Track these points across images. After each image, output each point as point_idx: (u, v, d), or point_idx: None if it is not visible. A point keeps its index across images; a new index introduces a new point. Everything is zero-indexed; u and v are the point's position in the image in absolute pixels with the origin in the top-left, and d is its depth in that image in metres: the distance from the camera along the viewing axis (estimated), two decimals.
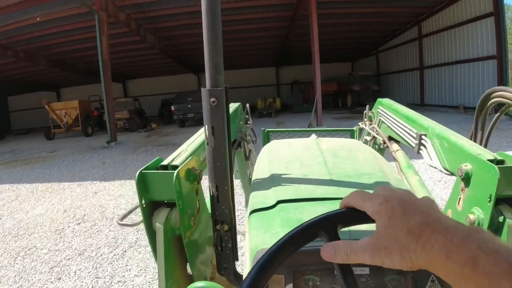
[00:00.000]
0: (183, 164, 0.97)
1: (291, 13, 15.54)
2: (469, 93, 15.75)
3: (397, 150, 1.83)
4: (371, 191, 0.48)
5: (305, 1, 13.40)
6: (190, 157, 1.05)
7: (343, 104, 22.74)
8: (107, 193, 6.17)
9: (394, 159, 1.79)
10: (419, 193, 1.36)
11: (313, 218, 0.48)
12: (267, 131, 3.12)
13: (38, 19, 14.33)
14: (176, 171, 0.91)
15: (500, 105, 1.32)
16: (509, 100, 1.20)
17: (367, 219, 0.45)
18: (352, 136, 2.97)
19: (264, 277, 0.44)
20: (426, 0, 16.28)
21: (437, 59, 18.14)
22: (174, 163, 1.02)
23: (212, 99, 0.87)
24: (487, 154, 0.99)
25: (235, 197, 1.18)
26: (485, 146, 1.41)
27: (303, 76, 29.42)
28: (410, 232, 0.38)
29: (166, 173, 0.96)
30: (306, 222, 0.48)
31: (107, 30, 11.99)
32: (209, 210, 1.10)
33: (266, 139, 3.09)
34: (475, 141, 1.46)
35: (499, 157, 0.98)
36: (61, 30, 15.23)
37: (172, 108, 16.93)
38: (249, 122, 2.46)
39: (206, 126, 0.91)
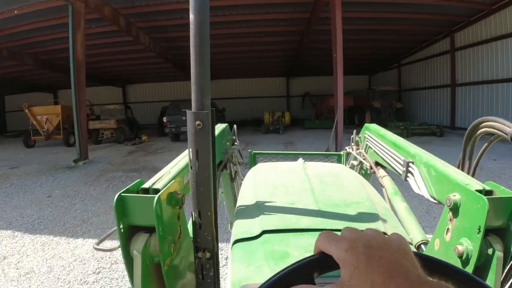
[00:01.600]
0: (165, 188, 0.91)
1: (307, 15, 13.34)
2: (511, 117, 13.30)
3: (383, 176, 1.83)
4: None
5: (325, 1, 11.22)
6: (173, 181, 0.99)
7: (360, 121, 20.36)
8: (17, 261, 3.97)
9: (381, 185, 1.76)
10: (406, 221, 1.38)
11: (287, 268, 0.46)
12: (254, 153, 3.06)
13: (15, 12, 12.47)
14: (157, 196, 0.85)
15: (490, 134, 1.31)
16: (498, 130, 1.18)
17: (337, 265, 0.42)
18: (339, 161, 3.01)
19: None
20: (462, 7, 13.96)
21: (472, 77, 15.72)
22: (156, 186, 0.96)
23: (198, 122, 0.83)
24: (475, 184, 0.98)
25: (221, 219, 1.33)
26: (473, 176, 1.38)
27: (315, 88, 27.20)
28: (374, 286, 0.36)
29: (147, 197, 0.90)
30: (280, 272, 0.46)
31: (83, 25, 9.92)
32: (192, 236, 1.01)
33: (253, 161, 3.04)
34: (462, 170, 1.43)
35: (487, 187, 0.96)
36: (42, 26, 13.29)
37: (164, 119, 14.76)
38: (236, 143, 2.41)
39: (191, 149, 0.87)
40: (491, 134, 1.25)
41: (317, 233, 0.89)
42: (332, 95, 24.06)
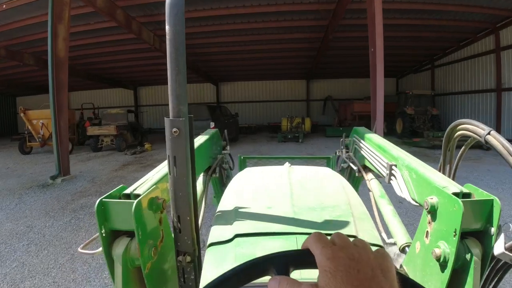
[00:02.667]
0: (145, 193, 0.96)
1: (333, 6, 11.46)
2: None
3: (371, 179, 1.85)
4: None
5: None
6: (154, 186, 1.04)
7: (389, 130, 18.27)
8: None
9: (368, 188, 1.80)
10: (391, 224, 1.44)
11: (268, 254, 0.49)
12: (244, 157, 3.11)
13: (4, 6, 11.13)
14: (136, 201, 0.89)
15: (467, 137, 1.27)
16: (472, 133, 1.18)
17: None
18: (328, 164, 3.06)
19: None
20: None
21: None
22: (137, 191, 0.99)
23: (174, 129, 0.84)
24: (453, 187, 0.99)
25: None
26: (453, 178, 1.39)
27: (338, 92, 25.22)
28: None
29: (126, 202, 0.93)
30: (259, 257, 0.49)
31: (68, 16, 8.36)
32: None
33: (243, 166, 3.05)
34: (443, 173, 1.44)
35: (465, 190, 0.97)
36: (36, 22, 11.92)
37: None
38: (226, 148, 2.44)
39: (168, 155, 0.88)
40: (468, 136, 1.23)
41: (288, 237, 1.09)
42: (358, 99, 22.29)
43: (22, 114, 14.18)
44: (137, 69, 20.30)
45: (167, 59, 0.80)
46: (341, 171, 2.36)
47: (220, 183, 2.36)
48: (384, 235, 1.43)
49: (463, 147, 1.36)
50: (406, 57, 19.30)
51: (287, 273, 0.46)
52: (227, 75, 24.05)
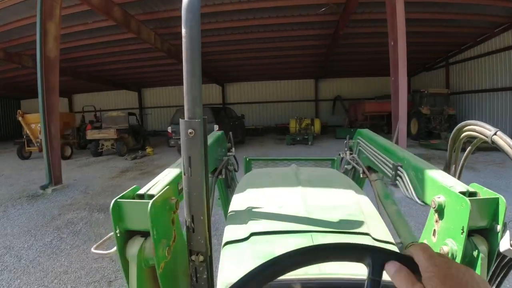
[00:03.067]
0: (159, 193, 0.95)
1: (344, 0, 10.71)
2: None
3: (375, 180, 1.88)
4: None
5: None
6: (167, 186, 1.04)
7: None
8: None
9: (373, 189, 1.82)
10: (397, 223, 1.46)
11: (373, 246, 0.53)
12: (249, 159, 3.14)
13: None
14: (151, 201, 0.88)
15: (474, 138, 1.31)
16: (479, 134, 1.20)
17: (415, 273, 0.47)
18: (332, 166, 3.13)
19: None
20: None
21: None
22: (151, 192, 1.00)
23: (190, 130, 0.86)
24: (459, 186, 1.00)
25: (220, 224, 1.57)
26: (459, 178, 1.39)
27: (347, 91, 24.40)
28: None
29: (141, 203, 0.93)
30: (362, 244, 0.53)
31: (59, 13, 7.76)
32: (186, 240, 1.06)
33: (248, 168, 3.09)
34: (449, 173, 1.38)
35: (471, 189, 0.98)
36: (33, 22, 11.35)
37: (169, 129, 12.51)
38: (231, 150, 2.44)
39: (183, 156, 0.90)
40: (474, 137, 1.26)
41: (303, 234, 1.12)
42: (369, 99, 21.47)
43: (20, 118, 13.70)
44: (140, 70, 19.73)
45: (183, 61, 0.83)
46: (345, 173, 2.38)
47: (225, 184, 2.37)
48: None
49: (469, 148, 1.37)
50: (418, 54, 18.40)
51: (380, 271, 0.50)
52: (233, 76, 23.40)
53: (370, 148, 1.93)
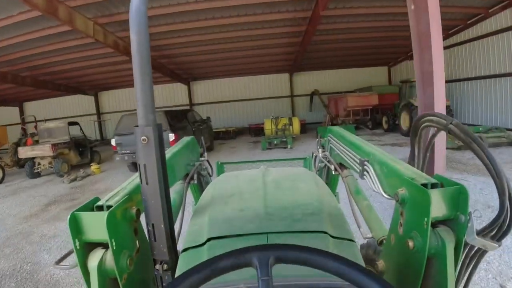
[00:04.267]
0: (117, 204, 0.96)
1: None
2: None
3: (347, 176, 1.91)
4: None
5: None
6: (127, 196, 1.03)
7: (390, 125, 15.67)
8: None
9: (345, 185, 1.84)
10: (368, 218, 1.49)
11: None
12: (221, 163, 3.21)
13: None
14: (107, 212, 0.90)
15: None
16: (436, 124, 1.23)
17: None
18: (305, 165, 3.18)
19: None
20: None
21: None
22: (109, 202, 0.98)
23: (143, 137, 0.87)
24: (421, 178, 1.00)
25: None
26: (423, 170, 1.41)
27: (324, 85, 22.51)
28: None
29: (98, 214, 0.93)
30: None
31: None
32: None
33: (221, 172, 3.10)
34: (413, 165, 1.47)
35: (433, 181, 0.98)
36: None
37: (112, 142, 9.96)
38: (204, 155, 2.43)
39: (139, 164, 0.91)
40: (433, 127, 1.28)
41: (259, 236, 1.11)
42: (348, 91, 19.66)
43: None
44: (92, 71, 17.09)
45: (133, 68, 0.83)
46: (319, 171, 2.48)
47: (199, 190, 2.35)
48: (362, 229, 1.41)
49: (428, 139, 1.41)
50: (399, 41, 16.68)
51: (269, 267, 0.55)
52: (199, 73, 21.05)
53: (340, 145, 1.94)
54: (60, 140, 11.41)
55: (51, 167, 11.03)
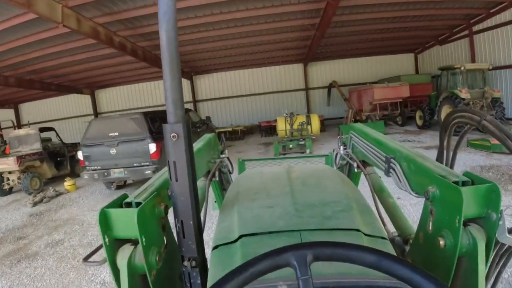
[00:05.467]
0: (146, 200, 0.97)
1: None
2: None
3: (370, 174, 1.87)
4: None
5: None
6: (155, 193, 1.04)
7: (427, 121, 13.27)
8: None
9: (368, 183, 1.79)
10: (393, 216, 1.48)
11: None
12: (242, 160, 3.20)
13: None
14: (138, 208, 0.91)
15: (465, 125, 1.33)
16: (469, 120, 1.20)
17: None
18: (326, 162, 3.16)
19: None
20: None
21: None
22: (138, 199, 0.99)
23: (173, 134, 0.87)
24: (452, 176, 0.99)
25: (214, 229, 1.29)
26: (452, 167, 1.40)
27: (343, 76, 20.13)
28: None
29: (128, 211, 0.94)
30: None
31: None
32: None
33: (242, 169, 3.11)
34: (442, 162, 1.45)
35: (464, 178, 0.97)
36: None
37: (79, 155, 7.70)
38: (224, 152, 2.45)
39: (168, 161, 0.91)
40: (465, 124, 1.23)
41: (292, 233, 1.10)
42: (371, 82, 17.37)
43: None
44: (83, 67, 15.15)
45: (162, 65, 0.83)
46: (340, 168, 2.43)
47: (220, 187, 2.35)
48: (387, 228, 1.37)
49: (459, 136, 1.39)
50: (431, 22, 14.22)
51: (307, 266, 0.56)
52: (203, 66, 18.94)
53: (362, 142, 1.89)
54: (30, 151, 9.43)
55: (20, 183, 9.08)
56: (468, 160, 7.55)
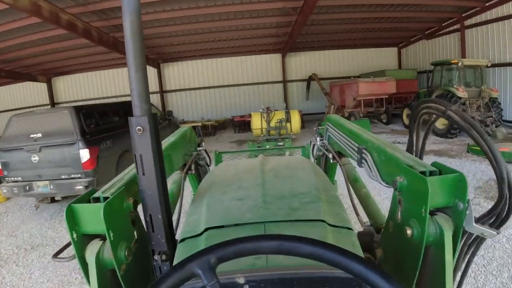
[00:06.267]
0: (114, 195, 0.95)
1: None
2: None
3: (345, 164, 1.93)
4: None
5: None
6: (124, 187, 1.03)
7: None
8: None
9: (343, 173, 1.84)
10: (367, 206, 1.53)
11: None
12: (219, 152, 3.16)
13: None
14: (104, 203, 0.89)
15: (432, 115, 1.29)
16: (435, 111, 1.20)
17: None
18: (303, 153, 3.21)
19: None
20: None
21: None
22: (106, 194, 0.97)
23: (138, 127, 0.86)
24: (420, 166, 0.99)
25: None
26: (421, 158, 1.36)
27: (323, 69, 18.83)
28: None
29: (95, 206, 0.92)
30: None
31: None
32: None
33: (219, 161, 3.08)
34: (411, 153, 1.41)
35: (432, 168, 0.97)
36: None
37: None
38: (201, 144, 2.39)
39: (135, 155, 0.91)
40: (432, 114, 1.26)
41: (257, 225, 1.08)
42: (356, 76, 16.16)
43: None
44: (37, 49, 13.05)
45: (127, 56, 0.82)
46: (317, 160, 2.47)
47: (197, 180, 2.31)
48: (360, 217, 1.41)
49: (428, 125, 1.37)
50: (414, 13, 13.12)
51: (212, 271, 0.55)
52: (172, 53, 17.14)
53: (338, 133, 1.92)
54: None
55: None
56: (477, 172, 6.38)
